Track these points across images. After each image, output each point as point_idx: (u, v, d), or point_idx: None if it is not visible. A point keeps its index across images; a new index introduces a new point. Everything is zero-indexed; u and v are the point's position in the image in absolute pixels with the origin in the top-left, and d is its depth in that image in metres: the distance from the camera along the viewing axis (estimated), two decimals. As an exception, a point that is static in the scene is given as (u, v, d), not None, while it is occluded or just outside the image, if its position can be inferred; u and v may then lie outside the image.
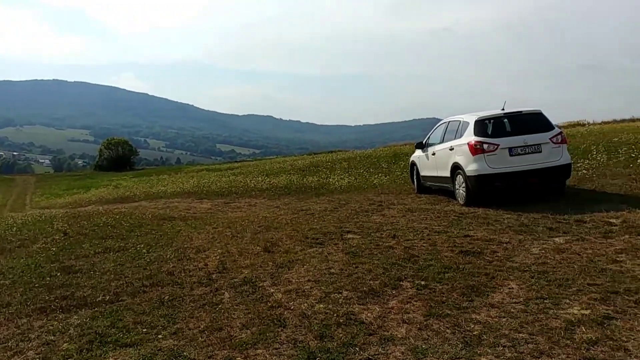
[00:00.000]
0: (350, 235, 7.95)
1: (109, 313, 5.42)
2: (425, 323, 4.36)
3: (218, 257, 7.47)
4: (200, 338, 4.53)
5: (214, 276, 6.48)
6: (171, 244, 8.87)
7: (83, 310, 5.65)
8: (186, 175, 32.80)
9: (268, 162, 37.10)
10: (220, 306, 5.32)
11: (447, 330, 4.18)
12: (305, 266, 6.42)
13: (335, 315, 4.69)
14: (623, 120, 30.06)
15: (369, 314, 4.67)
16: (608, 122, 30.55)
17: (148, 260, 7.80)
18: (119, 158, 58.86)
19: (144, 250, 8.53)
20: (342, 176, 18.07)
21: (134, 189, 25.84)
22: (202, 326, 4.80)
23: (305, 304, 5.07)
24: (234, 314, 5.05)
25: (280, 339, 4.33)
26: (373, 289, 5.30)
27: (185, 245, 8.61)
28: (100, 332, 4.88)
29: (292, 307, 5.03)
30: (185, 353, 4.25)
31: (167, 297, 5.78)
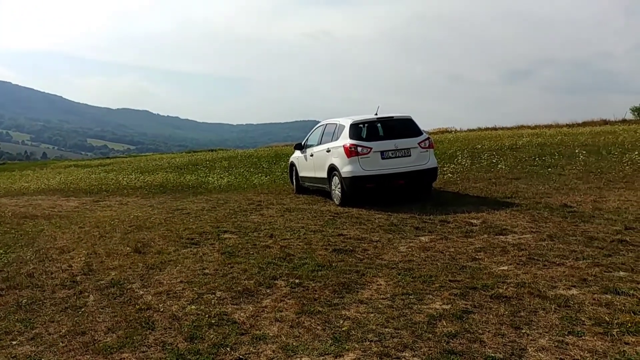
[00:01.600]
0: (227, 235, 7.82)
1: (-43, 320, 4.82)
2: (297, 321, 4.39)
3: (84, 258, 6.96)
4: (60, 343, 4.19)
5: (78, 278, 6.03)
6: (32, 244, 8.13)
7: None
8: (52, 171, 30.24)
9: (143, 158, 35.40)
10: (84, 309, 4.96)
11: (318, 327, 4.24)
12: (178, 267, 6.19)
13: (207, 316, 4.57)
14: (487, 129, 32.88)
15: (242, 314, 4.61)
16: (473, 130, 33.24)
17: (5, 261, 7.10)
18: (-28, 150, 52.74)
19: (1, 251, 7.76)
20: (222, 175, 17.77)
21: (-10, 184, 23.29)
22: (63, 331, 4.45)
23: (176, 306, 4.88)
24: (99, 317, 4.73)
25: (148, 341, 4.12)
26: (247, 289, 5.25)
27: (48, 246, 7.93)
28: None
29: (162, 309, 4.81)
30: (43, 359, 3.89)
31: (26, 300, 5.30)
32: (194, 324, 4.40)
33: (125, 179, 19.31)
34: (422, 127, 10.50)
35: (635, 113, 33.40)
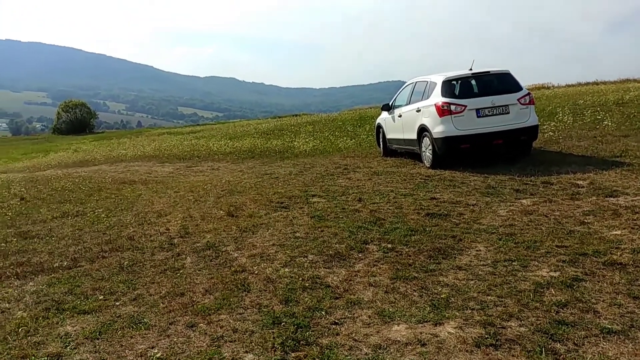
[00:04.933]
0: (315, 199, 7.79)
1: (67, 279, 5.15)
2: (392, 286, 4.26)
3: (180, 221, 7.21)
4: (161, 304, 4.33)
5: (175, 241, 6.25)
6: (131, 209, 8.55)
7: (39, 276, 5.35)
8: (147, 138, 31.90)
9: (231, 125, 36.41)
10: (182, 271, 5.12)
11: (415, 293, 4.09)
12: (269, 230, 6.24)
13: (300, 279, 4.55)
14: (587, 84, 30.53)
15: (334, 278, 4.55)
16: (572, 85, 30.99)
17: (107, 225, 7.49)
18: (77, 121, 56.85)
19: (103, 215, 8.19)
20: (307, 140, 17.82)
21: (93, 152, 24.99)
22: (163, 292, 4.60)
23: (270, 269, 4.91)
24: (196, 279, 4.86)
25: (244, 303, 4.17)
26: (339, 253, 5.18)
27: (146, 210, 8.31)
28: (57, 299, 4.63)
29: (256, 272, 4.86)
30: (145, 319, 4.05)
31: (127, 262, 5.54)
32: (288, 287, 4.39)
33: (215, 145, 19.92)
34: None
35: None
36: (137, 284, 4.89)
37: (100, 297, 4.60)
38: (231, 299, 4.26)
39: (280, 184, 9.40)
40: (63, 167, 19.09)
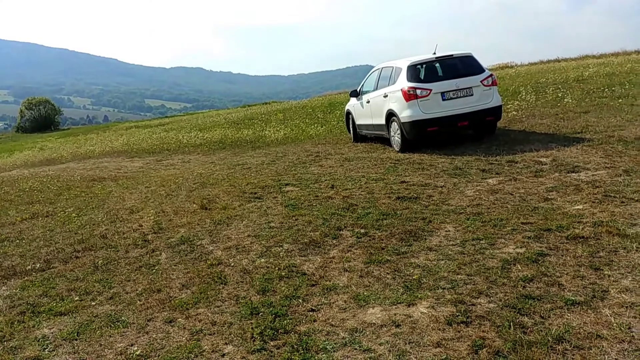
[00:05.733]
0: (288, 188, 7.86)
1: (40, 282, 5.13)
2: (366, 270, 4.38)
3: (153, 217, 7.20)
4: (138, 301, 4.36)
5: (149, 237, 6.25)
6: (102, 206, 8.48)
7: (12, 280, 5.31)
8: (115, 133, 31.39)
9: (200, 116, 36.07)
10: (157, 267, 5.14)
11: (388, 276, 4.21)
12: (244, 221, 6.29)
13: (277, 268, 4.63)
14: (549, 61, 31.13)
15: (310, 265, 4.64)
16: (535, 63, 31.55)
17: (79, 224, 7.42)
18: (42, 118, 55.53)
19: (74, 214, 8.10)
20: (277, 128, 17.83)
21: (60, 150, 24.49)
22: (139, 289, 4.63)
23: (246, 260, 4.97)
24: (172, 274, 4.89)
25: (221, 296, 4.23)
26: (314, 240, 5.27)
27: (118, 207, 8.25)
28: (31, 302, 4.62)
29: (232, 264, 4.92)
30: (123, 317, 4.08)
31: (101, 261, 5.53)
32: (265, 277, 4.47)
33: (185, 137, 19.77)
34: (482, 63, 9.99)
35: None
36: (112, 282, 4.90)
37: (76, 298, 4.61)
38: (208, 293, 4.32)
39: (252, 174, 9.43)
40: (29, 166, 18.69)
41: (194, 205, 7.44)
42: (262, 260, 4.91)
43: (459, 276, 4.05)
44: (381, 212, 5.95)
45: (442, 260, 4.40)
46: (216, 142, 16.72)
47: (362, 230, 5.40)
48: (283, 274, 4.50)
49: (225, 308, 4.01)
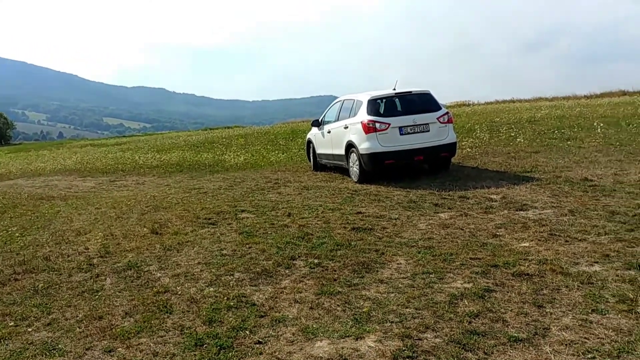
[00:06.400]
0: (244, 215, 7.79)
1: (-27, 306, 4.87)
2: (317, 302, 4.35)
3: (100, 240, 6.98)
4: (77, 328, 4.19)
5: (95, 261, 6.05)
6: (48, 227, 8.18)
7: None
8: (69, 150, 30.54)
9: (160, 137, 35.57)
10: (101, 293, 4.97)
11: (338, 308, 4.20)
12: (195, 248, 6.18)
13: (225, 298, 4.54)
14: (505, 101, 32.40)
15: (260, 296, 4.58)
16: (491, 103, 32.78)
17: (21, 244, 7.13)
18: (-9, 132, 53.60)
19: (17, 234, 7.79)
20: (238, 153, 17.75)
21: (9, 165, 23.61)
22: (80, 315, 4.45)
23: (194, 288, 4.87)
24: (116, 301, 4.73)
25: (166, 325, 4.12)
26: (266, 270, 5.22)
27: (64, 228, 7.97)
28: (-38, 327, 4.37)
29: (179, 292, 4.80)
30: (60, 345, 3.91)
31: (42, 284, 5.31)
32: (213, 307, 4.38)
33: (141, 158, 19.41)
34: (440, 100, 10.30)
35: (657, 82, 32.60)
36: (52, 307, 4.70)
37: (11, 323, 4.40)
38: (152, 322, 4.19)
39: (208, 199, 9.32)
40: (-26, 181, 17.90)
41: (145, 229, 7.27)
42: (211, 289, 4.81)
43: (408, 310, 4.07)
44: (336, 242, 5.97)
45: (393, 293, 4.43)
46: (173, 164, 16.48)
47: (316, 261, 5.39)
48: (232, 304, 4.42)
49: (169, 338, 3.90)
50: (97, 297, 4.87)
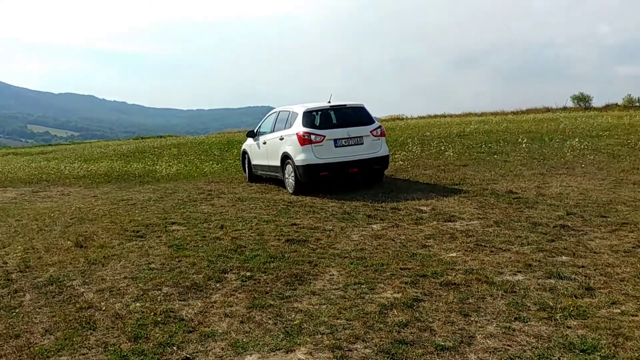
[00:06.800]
0: (175, 227, 7.60)
1: None
2: (247, 315, 4.29)
3: (20, 254, 6.59)
4: (-9, 349, 3.91)
5: (13, 276, 5.70)
6: (-39, 240, 7.61)
7: None
8: (-12, 159, 28.68)
9: (87, 146, 34.12)
10: (19, 310, 4.68)
11: (269, 321, 4.16)
12: (122, 262, 5.95)
13: (152, 313, 4.39)
14: (436, 116, 33.57)
15: (189, 310, 4.47)
16: (423, 117, 33.86)
17: None
18: None
19: None
20: (170, 163, 17.32)
21: None
22: (-6, 334, 4.16)
23: (120, 304, 4.68)
24: (35, 318, 4.47)
25: (88, 343, 3.92)
26: (196, 283, 5.09)
27: (-20, 241, 7.45)
28: None
29: (104, 308, 4.60)
30: (-30, 368, 3.63)
31: (-46, 302, 4.93)
32: (139, 323, 4.22)
33: (67, 167, 18.52)
34: (375, 114, 10.55)
35: (576, 101, 34.88)
36: (-37, 327, 4.37)
37: None
38: (74, 339, 3.98)
39: (137, 211, 9.01)
40: None
41: (68, 243, 6.93)
42: (138, 304, 4.64)
43: (339, 321, 4.09)
44: (269, 254, 5.92)
45: (324, 304, 4.44)
46: (101, 174, 15.84)
47: (248, 273, 5.32)
48: (159, 319, 4.28)
49: (92, 356, 3.72)
50: (14, 314, 4.58)
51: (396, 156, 14.06)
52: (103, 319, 4.35)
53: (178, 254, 6.10)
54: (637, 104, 32.81)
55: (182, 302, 4.66)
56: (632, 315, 3.92)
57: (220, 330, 4.04)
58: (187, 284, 5.10)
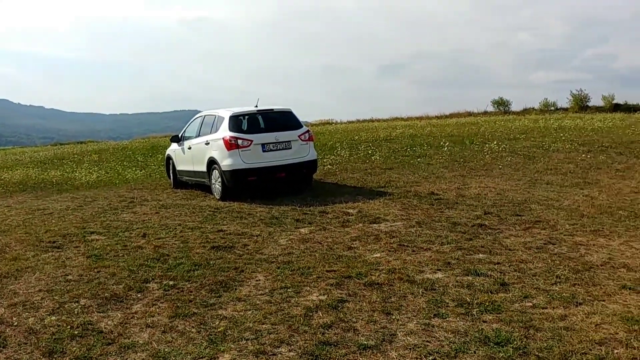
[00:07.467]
0: (94, 237, 7.29)
1: None
2: (170, 325, 4.19)
3: None
4: None
5: None
6: None
7: None
8: None
9: (1, 153, 32.09)
10: None
11: (193, 330, 4.08)
12: (36, 274, 5.64)
13: (69, 327, 4.19)
14: (365, 120, 34.32)
15: (109, 322, 4.30)
16: (352, 122, 34.52)
17: None
18: None
19: None
20: (91, 170, 16.61)
21: None
22: None
23: (34, 318, 4.43)
24: (-63, 339, 4.14)
25: (-4, 362, 3.69)
26: (116, 294, 4.92)
27: None
28: None
29: (16, 323, 4.34)
30: None
31: None
32: (54, 337, 4.02)
33: (-23, 176, 17.30)
34: (305, 118, 10.63)
35: (496, 105, 36.81)
36: None
37: None
38: (-20, 359, 3.73)
39: (54, 221, 8.56)
40: None
41: (-23, 256, 6.47)
42: (53, 318, 4.41)
43: (264, 326, 4.08)
44: (194, 262, 5.81)
45: (250, 310, 4.41)
46: (16, 183, 14.92)
47: (171, 282, 5.20)
48: (76, 332, 4.09)
49: (0, 376, 3.50)
50: None
51: (325, 160, 14.22)
52: (15, 335, 4.10)
53: (97, 265, 5.86)
54: (553, 108, 35.08)
55: (101, 314, 4.48)
56: (543, 308, 4.17)
57: (141, 341, 3.92)
58: (106, 295, 4.91)
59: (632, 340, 3.55)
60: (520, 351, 3.49)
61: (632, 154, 13.16)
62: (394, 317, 4.15)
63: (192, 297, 4.77)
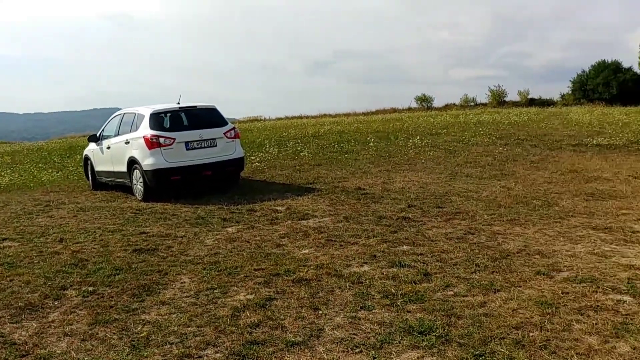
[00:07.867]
0: (6, 243, 6.83)
1: None
2: (90, 332, 4.00)
3: None
4: None
5: None
6: None
7: None
8: None
9: None
10: None
11: (114, 337, 3.92)
12: (-61, 287, 5.21)
13: (-23, 342, 3.91)
14: (293, 117, 34.32)
15: (23, 333, 4.06)
16: (281, 119, 34.43)
17: None
18: None
19: None
20: (2, 173, 15.56)
21: None
22: None
23: None
24: None
25: None
26: (31, 303, 4.64)
27: None
28: None
29: None
30: None
31: None
32: (-41, 355, 3.73)
33: None
34: (234, 115, 10.45)
35: (419, 101, 37.99)
36: None
37: None
38: None
39: (-41, 229, 7.94)
40: None
41: None
42: (-42, 333, 4.10)
43: (189, 329, 3.99)
44: (114, 266, 5.58)
45: (174, 313, 4.30)
46: None
47: (91, 288, 4.96)
48: (-15, 346, 3.82)
49: None
50: None
51: (253, 157, 14.10)
52: None
53: (10, 273, 5.50)
54: (472, 104, 36.68)
55: (15, 325, 4.21)
56: (463, 296, 4.34)
57: (58, 351, 3.73)
58: (20, 304, 4.62)
59: (545, 323, 3.77)
60: (443, 339, 3.62)
61: (545, 146, 14.03)
62: (321, 312, 4.18)
63: (113, 302, 4.58)
